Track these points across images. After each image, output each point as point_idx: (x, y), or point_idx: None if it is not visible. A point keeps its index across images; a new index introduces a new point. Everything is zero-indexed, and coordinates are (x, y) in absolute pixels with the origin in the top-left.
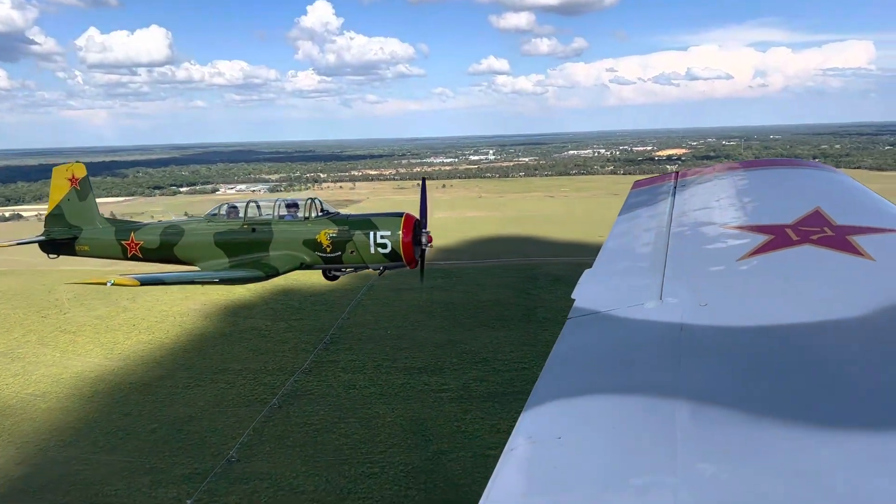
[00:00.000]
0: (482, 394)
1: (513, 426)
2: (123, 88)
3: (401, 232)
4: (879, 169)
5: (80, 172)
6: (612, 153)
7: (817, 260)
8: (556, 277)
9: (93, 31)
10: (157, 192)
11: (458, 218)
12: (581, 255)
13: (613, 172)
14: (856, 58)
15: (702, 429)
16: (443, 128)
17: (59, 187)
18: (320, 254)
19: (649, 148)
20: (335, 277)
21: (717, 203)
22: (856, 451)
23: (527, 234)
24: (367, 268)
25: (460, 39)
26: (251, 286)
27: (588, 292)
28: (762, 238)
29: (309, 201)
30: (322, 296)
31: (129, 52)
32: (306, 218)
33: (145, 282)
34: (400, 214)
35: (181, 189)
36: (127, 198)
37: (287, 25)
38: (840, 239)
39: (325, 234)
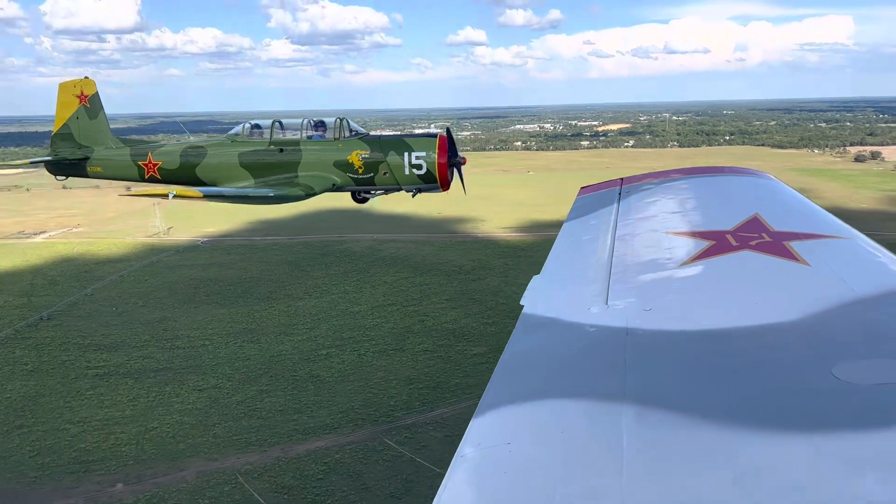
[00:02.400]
0: (132, 370)
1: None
2: (94, 55)
3: (436, 153)
4: (780, 146)
5: (90, 89)
6: (554, 127)
7: (756, 265)
8: (353, 253)
9: None
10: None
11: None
12: (424, 232)
13: (527, 149)
14: (835, 32)
15: (647, 431)
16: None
17: (66, 104)
18: (352, 175)
19: (595, 123)
20: (365, 200)
21: (660, 209)
22: (796, 451)
23: (390, 210)
24: (400, 189)
25: (434, 9)
26: None
27: (536, 298)
28: (704, 244)
29: (338, 121)
30: (88, 269)
31: (97, 17)
32: (336, 138)
33: (207, 194)
34: (434, 135)
35: None
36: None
37: None
38: (777, 244)
39: (357, 155)
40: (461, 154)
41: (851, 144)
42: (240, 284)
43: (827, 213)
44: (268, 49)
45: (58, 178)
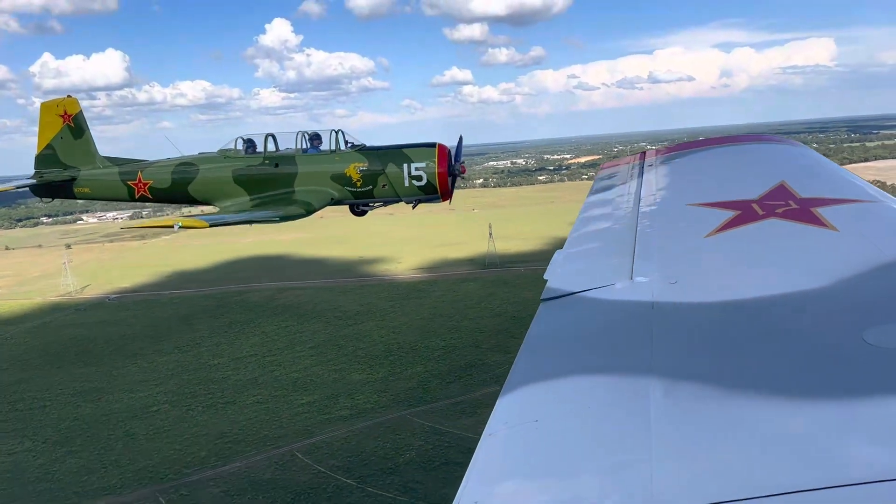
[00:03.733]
0: None
1: None
2: (86, 113)
3: (436, 162)
4: None
5: (74, 108)
6: (526, 162)
7: (783, 233)
8: (249, 304)
9: (47, 57)
10: (17, 224)
11: (265, 240)
12: (332, 277)
13: (484, 186)
14: (817, 55)
15: (675, 405)
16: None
17: (49, 125)
18: (350, 188)
19: (567, 156)
20: (363, 213)
21: (683, 181)
22: (828, 418)
23: (312, 254)
24: (400, 201)
25: (419, 52)
26: None
27: (559, 274)
28: (729, 214)
29: (333, 133)
30: None
31: (85, 76)
32: (332, 151)
33: (214, 223)
34: (433, 144)
35: (42, 219)
36: None
37: (244, 45)
38: (804, 211)
39: (355, 168)
40: (462, 165)
41: None
42: (115, 342)
43: (856, 176)
44: (257, 98)
45: (43, 200)
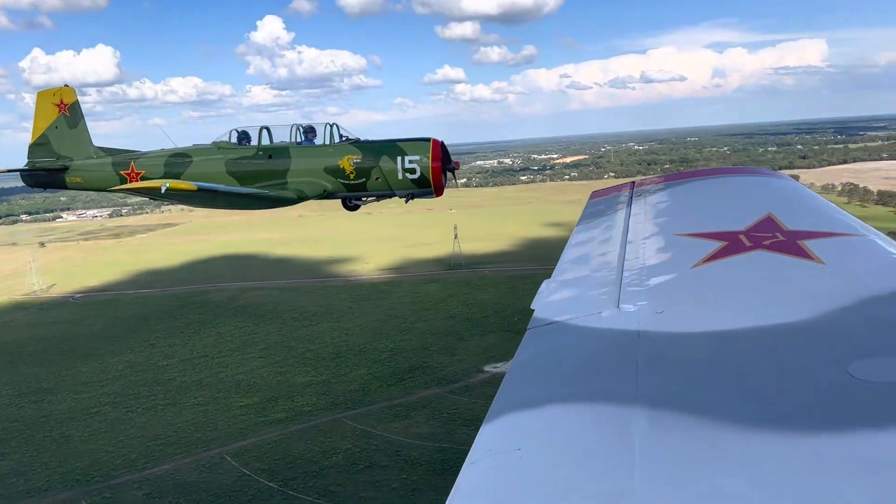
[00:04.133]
0: None
1: None
2: None
3: (430, 156)
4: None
5: (70, 97)
6: (513, 162)
7: (770, 264)
8: (210, 303)
9: (37, 52)
10: None
11: (236, 239)
12: (298, 277)
13: (466, 185)
14: (809, 56)
15: (659, 434)
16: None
17: (44, 113)
18: (343, 181)
19: (554, 156)
20: (356, 207)
21: (671, 211)
22: (813, 451)
23: (282, 254)
24: (393, 195)
25: (411, 50)
26: None
27: (547, 302)
28: (716, 244)
29: (327, 126)
30: None
31: (75, 72)
32: (326, 143)
33: (203, 188)
34: (427, 139)
35: (22, 217)
36: None
37: (235, 42)
38: (791, 243)
39: (349, 160)
40: (456, 160)
41: (781, 168)
42: (71, 342)
43: (841, 210)
44: (249, 95)
45: (35, 190)
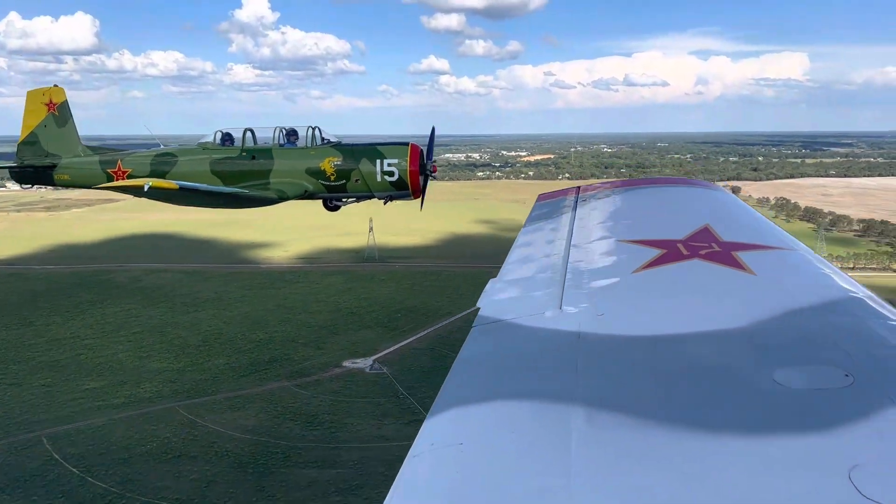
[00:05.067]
0: None
1: None
2: (52, 77)
3: (408, 160)
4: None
5: (59, 97)
6: (481, 157)
7: (705, 273)
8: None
9: (13, 17)
10: None
11: (171, 219)
12: (212, 262)
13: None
14: (790, 69)
15: (596, 433)
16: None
17: (34, 112)
18: (324, 182)
19: (523, 154)
20: (336, 207)
21: (614, 217)
22: (739, 453)
23: (209, 236)
24: (372, 197)
25: (397, 38)
26: None
27: (492, 300)
28: (656, 252)
29: (309, 129)
30: None
31: (52, 38)
32: (308, 146)
33: (184, 187)
34: (406, 143)
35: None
36: None
37: (217, 18)
38: (726, 254)
39: (330, 162)
40: (433, 164)
41: (729, 178)
42: None
43: (773, 225)
44: (231, 73)
45: (23, 187)
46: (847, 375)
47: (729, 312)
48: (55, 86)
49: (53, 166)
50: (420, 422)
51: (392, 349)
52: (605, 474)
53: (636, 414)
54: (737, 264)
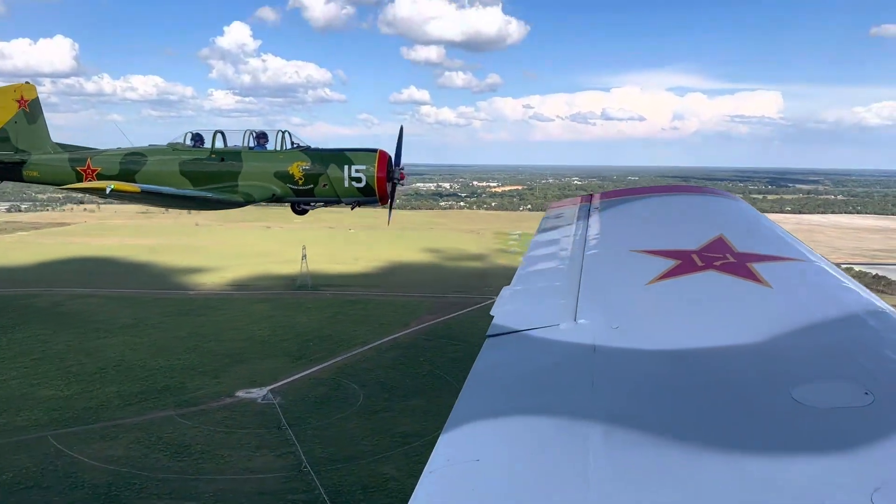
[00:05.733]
0: None
1: None
2: None
3: (376, 167)
4: None
5: (31, 94)
6: (451, 186)
7: (720, 285)
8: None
9: None
10: None
11: (116, 244)
12: (139, 288)
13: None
14: (765, 107)
15: (613, 450)
16: None
17: (4, 108)
18: (292, 186)
19: (493, 184)
20: (304, 211)
21: (628, 227)
22: (755, 472)
23: (149, 261)
24: (339, 202)
25: (377, 68)
26: None
27: (506, 310)
28: (670, 263)
29: (279, 132)
30: None
31: (30, 61)
32: (277, 149)
33: (146, 190)
34: (374, 150)
35: None
36: None
37: (198, 44)
38: (741, 266)
39: (298, 167)
40: (402, 172)
41: None
42: None
43: (789, 235)
44: (211, 99)
45: None
46: (867, 393)
47: (745, 326)
48: (27, 82)
49: (23, 162)
50: (292, 454)
51: (292, 379)
52: (623, 492)
53: (653, 430)
54: (752, 276)
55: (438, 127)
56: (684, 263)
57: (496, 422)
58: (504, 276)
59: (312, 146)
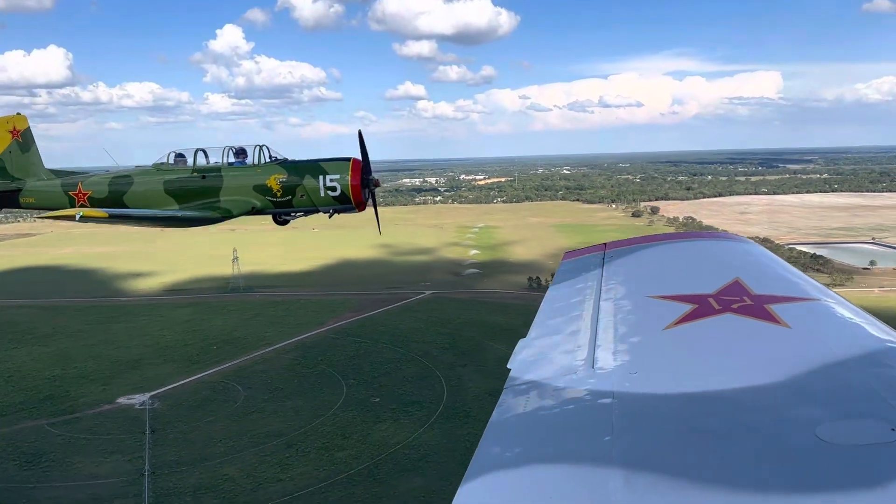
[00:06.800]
0: None
1: None
2: (27, 110)
3: (349, 175)
4: (589, 202)
5: (22, 124)
6: (437, 181)
7: (739, 328)
8: None
9: None
10: None
11: (74, 252)
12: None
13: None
14: (764, 87)
15: (635, 496)
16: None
17: None
18: (271, 198)
19: (479, 177)
20: (286, 222)
21: (643, 273)
22: None
23: (99, 267)
24: (318, 211)
25: (370, 65)
26: None
27: (522, 361)
28: (687, 307)
29: (257, 147)
30: None
31: (25, 72)
32: (255, 164)
33: (114, 214)
34: (348, 159)
35: None
36: None
37: (189, 49)
38: (759, 307)
39: (276, 179)
40: (375, 176)
41: (657, 199)
42: None
43: (804, 275)
44: (207, 103)
45: None
46: (893, 430)
47: (765, 367)
48: (18, 114)
49: (19, 190)
50: (142, 458)
51: (181, 383)
52: None
53: (675, 475)
54: (770, 318)
55: (436, 121)
56: (701, 307)
57: (515, 471)
58: (446, 269)
59: (290, 159)
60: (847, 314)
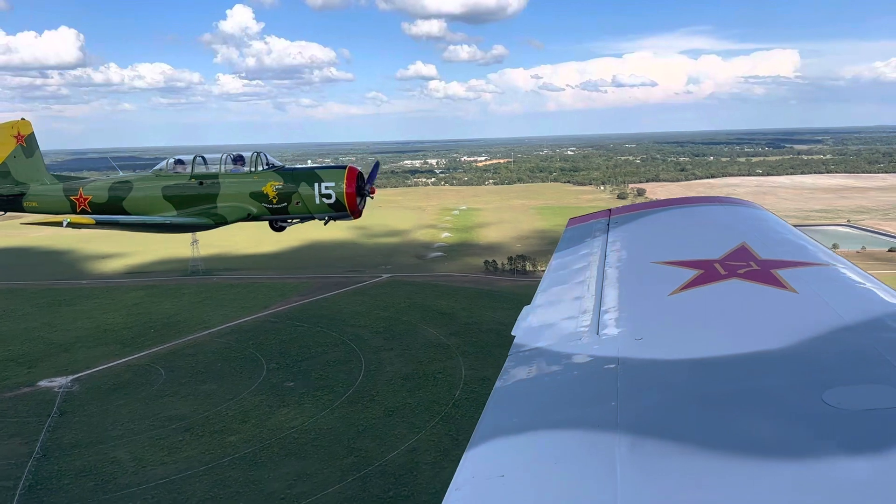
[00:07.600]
0: None
1: None
2: (39, 91)
3: (345, 183)
4: (581, 184)
5: (27, 129)
6: (437, 162)
7: (745, 293)
8: None
9: None
10: None
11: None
12: (38, 278)
13: None
14: (780, 66)
15: (640, 460)
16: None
17: (4, 144)
18: (267, 205)
19: (480, 159)
20: (282, 228)
21: (648, 239)
22: (788, 477)
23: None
24: (313, 218)
25: (381, 45)
26: None
27: (527, 328)
28: (692, 273)
29: (254, 154)
30: None
31: (37, 53)
32: (252, 171)
33: (101, 221)
34: (344, 167)
35: None
36: None
37: (199, 29)
38: (765, 272)
39: (272, 186)
40: (372, 186)
41: (648, 180)
42: None
43: (812, 240)
44: (219, 84)
45: None
46: None
47: (772, 332)
48: (22, 119)
49: (23, 194)
50: (38, 441)
51: (108, 366)
52: (652, 500)
53: (681, 440)
54: (777, 283)
55: (448, 101)
56: (707, 273)
57: (520, 437)
58: (412, 252)
59: (287, 166)
60: (856, 279)
